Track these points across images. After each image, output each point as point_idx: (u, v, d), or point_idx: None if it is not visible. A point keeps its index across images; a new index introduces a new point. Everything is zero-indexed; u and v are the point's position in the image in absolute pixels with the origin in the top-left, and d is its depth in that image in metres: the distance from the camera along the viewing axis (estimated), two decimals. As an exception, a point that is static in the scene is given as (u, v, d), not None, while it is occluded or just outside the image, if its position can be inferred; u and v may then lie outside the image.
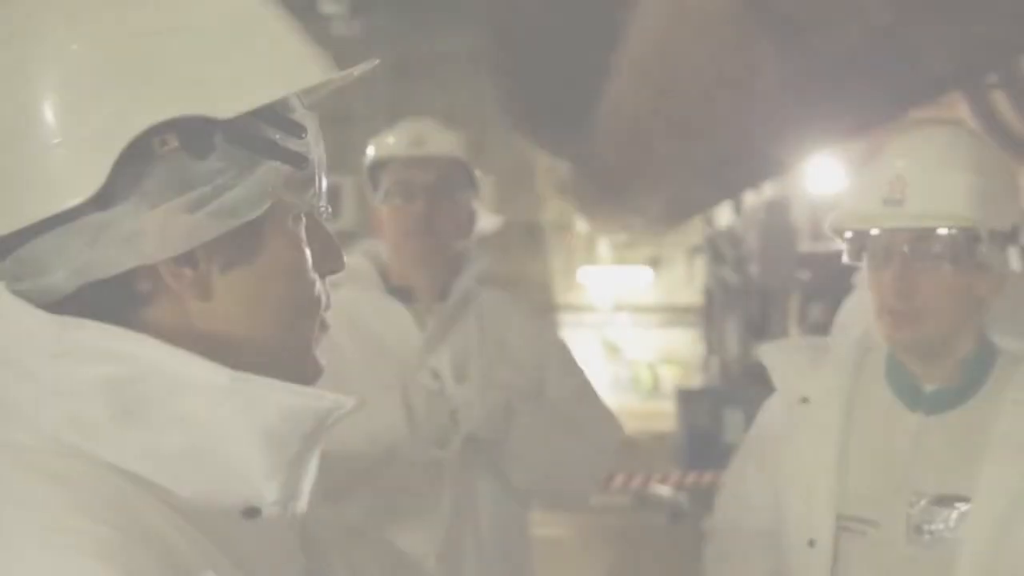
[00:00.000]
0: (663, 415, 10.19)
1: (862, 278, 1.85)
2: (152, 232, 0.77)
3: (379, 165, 2.39)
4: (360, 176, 2.40)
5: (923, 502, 1.75)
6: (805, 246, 8.31)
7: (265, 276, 0.82)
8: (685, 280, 13.54)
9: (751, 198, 9.55)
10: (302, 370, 0.86)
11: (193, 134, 0.77)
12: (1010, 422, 1.73)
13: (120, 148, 0.76)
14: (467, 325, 2.37)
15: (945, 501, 1.74)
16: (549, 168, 13.16)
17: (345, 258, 0.90)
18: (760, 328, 8.45)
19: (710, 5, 3.62)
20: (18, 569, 0.68)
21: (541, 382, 2.39)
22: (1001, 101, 6.68)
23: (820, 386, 1.87)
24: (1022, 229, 1.74)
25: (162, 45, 0.78)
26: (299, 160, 0.82)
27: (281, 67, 0.81)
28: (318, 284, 0.87)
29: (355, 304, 2.33)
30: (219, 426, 0.78)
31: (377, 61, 0.87)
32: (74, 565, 0.69)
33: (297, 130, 0.82)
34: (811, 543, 1.80)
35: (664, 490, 7.97)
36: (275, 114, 0.81)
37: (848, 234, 1.80)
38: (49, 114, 0.77)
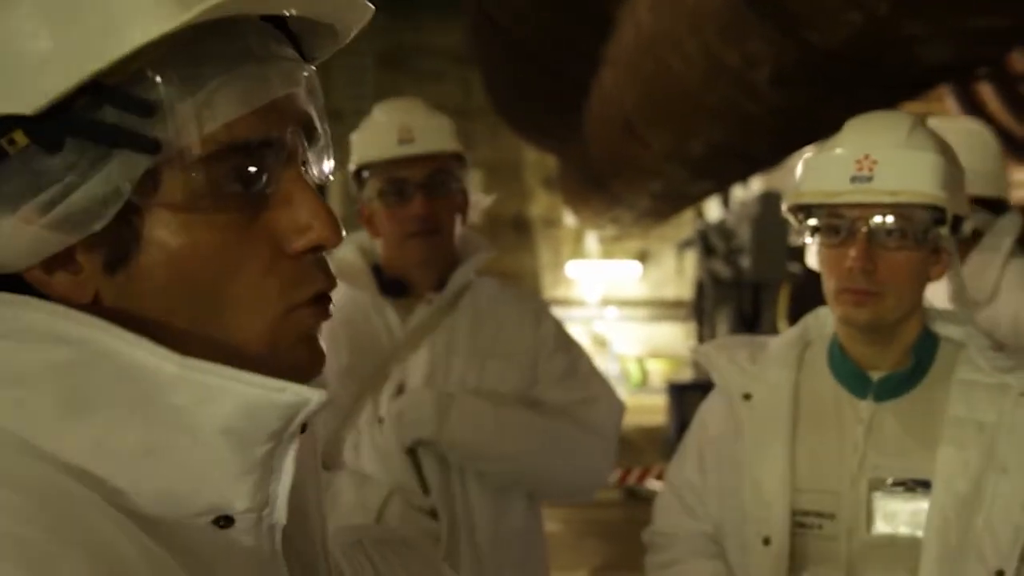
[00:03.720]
0: (652, 409, 10.19)
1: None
2: (2, 241, 0.69)
3: (366, 164, 2.25)
4: (347, 170, 2.29)
5: (882, 489, 1.74)
6: (796, 239, 8.31)
7: (150, 278, 0.72)
8: (673, 274, 13.55)
9: (739, 192, 9.55)
10: (271, 363, 0.73)
11: (39, 128, 0.68)
12: (961, 404, 1.73)
13: None
14: (459, 317, 2.29)
15: (904, 486, 1.73)
16: (537, 161, 13.16)
17: (342, 232, 0.75)
18: (751, 321, 8.44)
19: (702, -4, 3.59)
20: None
21: (534, 368, 2.31)
22: (987, 93, 6.68)
23: (763, 382, 1.85)
24: (966, 220, 1.74)
25: None
26: (146, 145, 0.69)
27: (94, 37, 0.68)
28: (287, 268, 0.74)
29: (347, 304, 2.24)
30: (176, 420, 0.70)
31: None
32: None
33: (142, 109, 0.69)
34: (766, 541, 1.77)
35: (654, 485, 7.96)
36: (121, 93, 0.69)
37: (806, 214, 1.78)
38: None
